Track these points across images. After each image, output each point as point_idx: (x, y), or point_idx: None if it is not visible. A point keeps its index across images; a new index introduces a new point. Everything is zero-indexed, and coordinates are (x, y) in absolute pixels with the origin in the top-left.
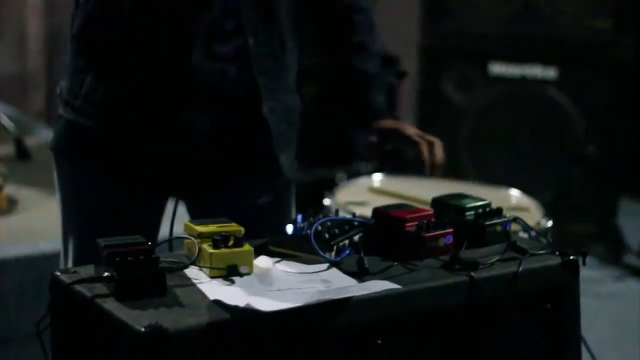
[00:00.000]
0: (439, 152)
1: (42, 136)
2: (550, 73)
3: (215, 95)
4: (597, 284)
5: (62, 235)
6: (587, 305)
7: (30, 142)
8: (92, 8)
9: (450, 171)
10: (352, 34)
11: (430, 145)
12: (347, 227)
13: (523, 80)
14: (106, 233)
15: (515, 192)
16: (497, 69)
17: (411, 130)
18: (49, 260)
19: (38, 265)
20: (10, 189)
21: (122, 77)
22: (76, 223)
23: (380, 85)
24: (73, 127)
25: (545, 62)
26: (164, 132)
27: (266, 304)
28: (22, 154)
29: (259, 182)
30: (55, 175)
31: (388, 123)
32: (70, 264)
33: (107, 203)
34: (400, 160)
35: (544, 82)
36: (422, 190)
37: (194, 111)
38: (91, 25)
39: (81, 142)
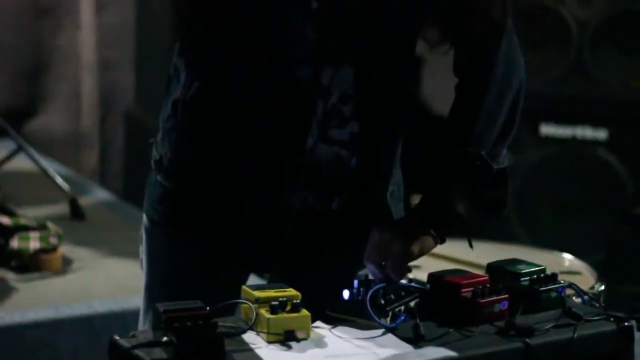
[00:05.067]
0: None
1: (96, 196)
2: (600, 134)
3: (327, 179)
4: None
5: (143, 298)
6: None
7: (84, 201)
8: (209, 79)
9: (499, 231)
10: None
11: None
12: (402, 293)
13: (573, 141)
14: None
15: (567, 256)
16: (547, 129)
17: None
18: (103, 320)
19: (92, 326)
20: (64, 249)
21: (236, 155)
22: (158, 291)
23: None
24: (174, 196)
25: (596, 122)
26: (272, 212)
27: None
28: (77, 213)
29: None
30: (144, 238)
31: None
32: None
33: (195, 275)
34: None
35: (594, 143)
36: (475, 254)
37: (304, 193)
38: (203, 98)
39: (182, 213)
